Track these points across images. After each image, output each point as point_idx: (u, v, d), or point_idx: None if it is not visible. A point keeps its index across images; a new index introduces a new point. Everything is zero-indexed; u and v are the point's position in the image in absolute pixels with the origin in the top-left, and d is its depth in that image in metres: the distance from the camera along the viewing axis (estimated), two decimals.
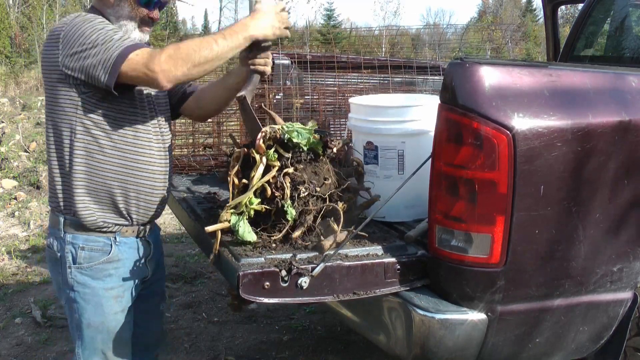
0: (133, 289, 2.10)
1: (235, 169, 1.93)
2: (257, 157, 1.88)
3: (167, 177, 2.11)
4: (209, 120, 3.78)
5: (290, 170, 1.88)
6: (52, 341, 3.65)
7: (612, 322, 2.05)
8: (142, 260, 2.13)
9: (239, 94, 2.01)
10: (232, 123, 3.83)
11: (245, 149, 1.95)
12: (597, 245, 1.92)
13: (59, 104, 1.95)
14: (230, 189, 1.92)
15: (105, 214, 2.00)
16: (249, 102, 2.00)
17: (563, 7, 6.11)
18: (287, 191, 1.86)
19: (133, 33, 2.02)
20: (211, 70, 1.95)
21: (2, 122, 10.26)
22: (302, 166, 1.91)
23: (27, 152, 8.51)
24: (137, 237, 2.10)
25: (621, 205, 1.92)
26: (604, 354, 2.10)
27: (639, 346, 2.17)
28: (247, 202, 1.87)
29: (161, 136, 2.09)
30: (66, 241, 2.01)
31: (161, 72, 1.79)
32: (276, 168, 1.88)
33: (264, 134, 1.90)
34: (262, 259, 1.79)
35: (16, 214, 6.38)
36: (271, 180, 1.87)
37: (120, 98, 1.93)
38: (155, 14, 2.06)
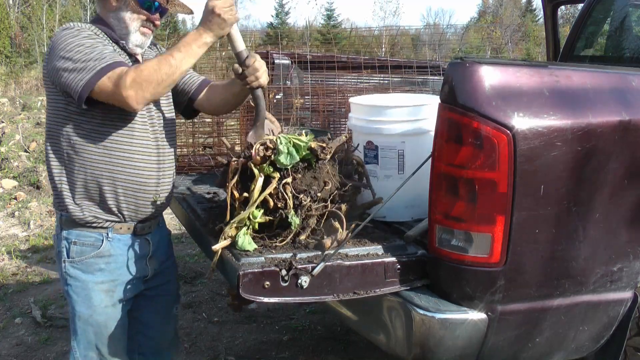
0: (127, 286, 2.12)
1: (234, 180, 1.92)
2: (256, 171, 1.88)
3: (160, 175, 2.11)
4: (209, 120, 3.79)
5: (290, 180, 1.88)
6: (52, 341, 3.65)
7: (612, 322, 2.05)
8: (139, 258, 2.13)
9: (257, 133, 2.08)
10: (232, 123, 3.84)
11: (243, 160, 1.94)
12: (597, 245, 1.92)
13: (51, 103, 2.03)
14: (229, 201, 1.91)
15: (95, 209, 2.04)
16: (263, 124, 2.09)
17: (563, 7, 6.11)
18: (290, 202, 1.87)
19: (134, 35, 2.06)
20: (175, 83, 1.99)
21: (2, 122, 10.26)
22: (300, 175, 1.91)
23: (27, 152, 8.50)
24: (133, 234, 2.11)
25: (621, 205, 1.92)
26: (604, 353, 2.10)
27: (639, 346, 2.18)
28: (250, 216, 1.87)
29: (153, 134, 2.10)
30: (62, 237, 2.08)
31: (128, 97, 1.85)
32: (276, 180, 1.87)
33: (259, 146, 1.90)
34: (262, 258, 1.79)
35: (16, 214, 6.38)
36: (272, 192, 1.87)
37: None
38: (156, 18, 2.10)
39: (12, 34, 23.44)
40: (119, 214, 2.07)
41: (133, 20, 2.05)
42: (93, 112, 1.97)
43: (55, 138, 2.03)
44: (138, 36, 2.08)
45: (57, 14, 25.20)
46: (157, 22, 2.11)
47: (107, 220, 2.06)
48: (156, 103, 2.14)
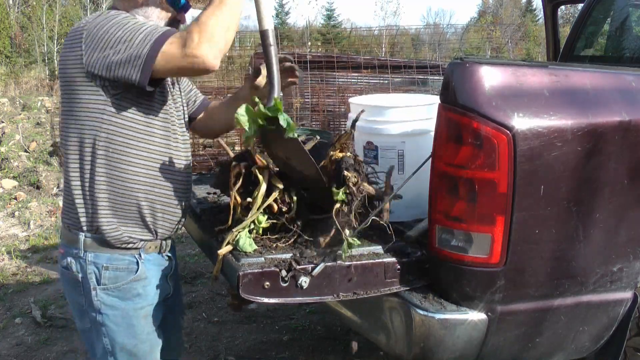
0: (160, 307, 1.98)
1: (237, 185, 1.91)
2: (261, 177, 1.87)
3: (190, 187, 2.01)
4: None
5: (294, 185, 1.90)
6: (52, 341, 3.65)
7: (612, 322, 2.05)
8: (165, 277, 2.01)
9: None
10: None
11: (245, 164, 1.92)
12: (597, 245, 1.92)
13: (81, 110, 1.79)
14: (232, 205, 1.91)
15: (131, 228, 1.86)
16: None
17: (563, 7, 6.11)
18: (295, 206, 1.87)
19: None
20: (237, 29, 1.80)
21: (2, 122, 10.26)
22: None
23: (27, 152, 8.51)
24: (159, 252, 1.98)
25: (621, 205, 1.92)
26: (604, 354, 2.10)
27: (639, 346, 2.17)
28: (256, 221, 1.87)
29: (183, 145, 1.98)
30: (87, 261, 1.84)
31: (203, 55, 1.66)
32: (280, 187, 1.87)
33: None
34: (262, 258, 1.79)
35: (16, 214, 6.38)
36: (277, 197, 1.87)
37: (150, 100, 1.83)
38: (182, 16, 1.97)
39: (12, 34, 23.45)
40: (154, 232, 1.91)
41: (160, 19, 1.90)
42: (135, 120, 1.80)
43: (85, 149, 1.81)
44: None
45: (57, 14, 25.21)
46: (184, 21, 1.98)
47: (141, 240, 1.89)
48: (178, 115, 1.99)
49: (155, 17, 1.90)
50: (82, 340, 1.99)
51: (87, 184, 1.82)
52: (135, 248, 1.89)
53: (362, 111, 2.07)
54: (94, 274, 1.84)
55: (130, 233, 1.86)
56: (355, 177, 1.84)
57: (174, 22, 1.96)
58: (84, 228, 1.84)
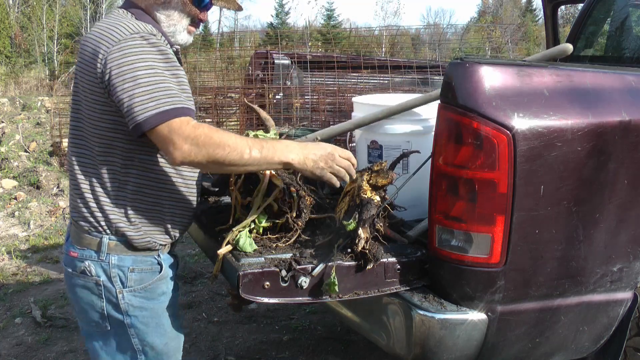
0: (177, 304, 1.98)
1: (239, 184, 1.91)
2: (261, 176, 1.87)
3: (199, 191, 1.99)
4: (209, 120, 3.80)
5: (294, 184, 1.90)
6: (52, 341, 3.65)
7: (612, 322, 2.05)
8: (174, 276, 1.99)
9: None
10: (232, 123, 3.84)
11: None
12: (597, 245, 1.92)
13: (104, 119, 1.75)
14: (233, 204, 1.91)
15: (153, 232, 1.86)
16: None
17: (563, 7, 6.12)
18: (295, 204, 1.88)
19: (181, 34, 1.90)
20: (224, 172, 1.80)
21: (2, 122, 10.27)
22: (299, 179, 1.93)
23: (27, 152, 8.51)
24: (169, 252, 1.96)
25: (621, 205, 1.92)
26: (604, 354, 2.10)
27: (639, 346, 2.18)
28: (256, 221, 1.88)
29: None
30: (111, 264, 1.82)
31: (180, 150, 1.63)
32: (280, 187, 1.88)
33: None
34: (262, 258, 1.79)
35: (16, 214, 6.37)
36: (277, 196, 1.88)
37: None
38: (204, 15, 1.92)
39: (12, 34, 23.47)
40: (173, 235, 1.91)
41: (182, 18, 1.87)
42: None
43: (107, 154, 1.78)
44: (185, 35, 1.90)
45: (57, 14, 25.23)
46: (205, 19, 1.91)
47: (160, 243, 1.88)
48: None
49: (177, 16, 1.86)
50: (87, 345, 1.96)
51: (113, 192, 1.80)
52: (155, 250, 1.88)
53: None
54: (119, 277, 1.82)
55: (152, 236, 1.85)
56: (367, 236, 1.79)
57: (196, 21, 1.91)
58: (107, 231, 1.82)
